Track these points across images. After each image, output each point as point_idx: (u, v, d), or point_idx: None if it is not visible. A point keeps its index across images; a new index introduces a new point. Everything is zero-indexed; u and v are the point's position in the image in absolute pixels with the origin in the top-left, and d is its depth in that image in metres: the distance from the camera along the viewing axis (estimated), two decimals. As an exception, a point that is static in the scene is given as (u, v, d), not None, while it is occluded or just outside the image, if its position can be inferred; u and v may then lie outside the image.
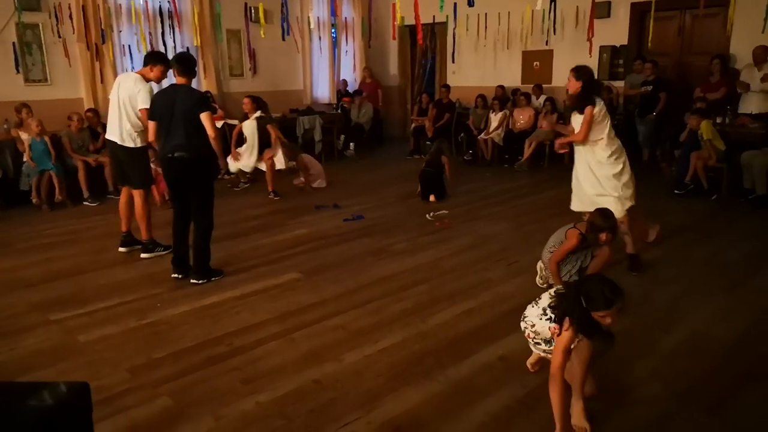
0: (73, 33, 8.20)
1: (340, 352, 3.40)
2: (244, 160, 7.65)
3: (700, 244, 5.35)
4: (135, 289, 4.39)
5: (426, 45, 12.54)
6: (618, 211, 4.66)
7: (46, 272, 4.82)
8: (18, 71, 7.89)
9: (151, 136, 4.72)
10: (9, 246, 5.59)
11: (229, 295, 4.27)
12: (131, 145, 4.97)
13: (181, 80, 4.45)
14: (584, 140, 4.51)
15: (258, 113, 7.53)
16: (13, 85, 7.80)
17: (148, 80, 4.94)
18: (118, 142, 4.99)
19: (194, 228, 4.51)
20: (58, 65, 8.19)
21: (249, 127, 7.55)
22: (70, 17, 8.16)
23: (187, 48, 9.46)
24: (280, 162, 7.59)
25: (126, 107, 4.89)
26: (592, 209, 4.76)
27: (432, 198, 7.04)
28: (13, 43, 7.76)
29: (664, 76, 8.49)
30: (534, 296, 4.11)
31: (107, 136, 5.13)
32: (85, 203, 7.23)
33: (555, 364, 2.58)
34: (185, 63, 4.48)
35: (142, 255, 5.14)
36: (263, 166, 7.62)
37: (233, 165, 7.65)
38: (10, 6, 7.60)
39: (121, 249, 5.31)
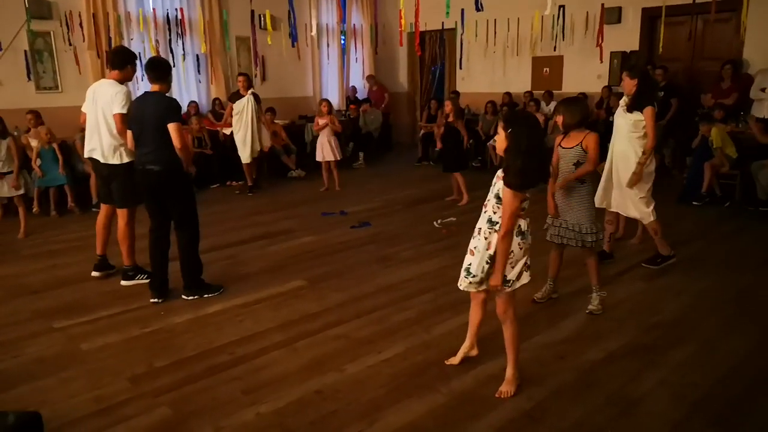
0: (84, 41, 8.28)
1: (342, 362, 3.36)
2: (243, 147, 7.71)
3: (711, 252, 5.26)
4: (139, 297, 4.37)
5: (435, 51, 12.54)
6: (647, 213, 4.62)
7: (51, 279, 4.83)
8: (29, 79, 7.97)
9: (129, 145, 4.35)
10: (16, 252, 5.61)
11: (233, 303, 4.24)
12: (116, 161, 4.52)
13: (154, 87, 4.19)
14: (655, 141, 4.47)
15: (251, 90, 7.62)
16: (24, 92, 7.89)
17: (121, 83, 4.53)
18: (101, 160, 4.55)
19: (177, 241, 4.28)
20: (69, 73, 8.26)
21: (245, 105, 7.56)
22: (81, 25, 8.25)
23: (197, 56, 9.53)
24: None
25: (106, 117, 4.46)
26: (625, 211, 4.73)
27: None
28: (25, 51, 7.84)
29: (675, 81, 8.41)
30: (539, 306, 4.09)
31: (87, 155, 4.65)
32: (93, 210, 7.24)
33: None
34: (157, 69, 4.20)
35: (122, 282, 4.66)
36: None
37: (243, 155, 7.74)
38: (22, 14, 7.69)
39: (94, 273, 4.79)
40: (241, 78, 7.65)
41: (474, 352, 3.34)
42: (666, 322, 3.84)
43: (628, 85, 4.52)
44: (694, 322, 3.84)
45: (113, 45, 8.39)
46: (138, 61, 4.81)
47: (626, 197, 4.67)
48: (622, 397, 2.99)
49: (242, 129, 7.65)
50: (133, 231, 4.69)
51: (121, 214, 4.65)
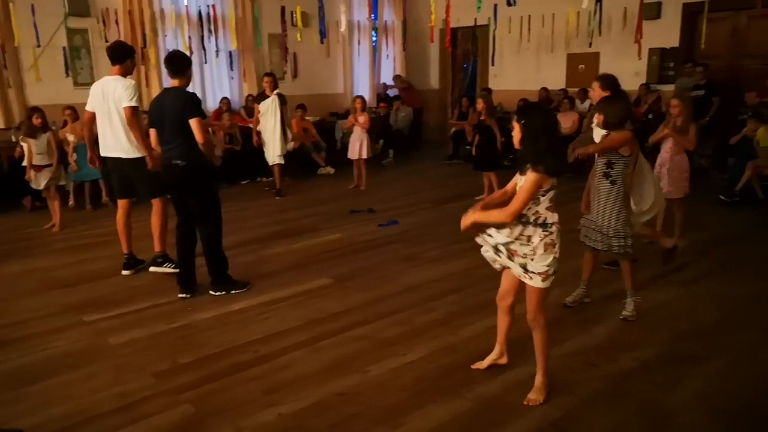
0: (120, 38, 8.38)
1: (365, 363, 3.30)
2: (270, 148, 7.69)
3: (750, 257, 5.04)
4: (167, 292, 4.39)
5: (467, 48, 12.38)
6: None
7: (82, 273, 4.89)
8: (67, 75, 8.14)
9: (153, 144, 4.38)
10: (48, 246, 5.72)
11: (258, 300, 4.23)
12: (138, 154, 4.55)
13: (174, 82, 4.18)
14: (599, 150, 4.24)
15: (276, 91, 7.55)
16: (63, 88, 8.06)
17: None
18: (124, 156, 4.58)
19: (200, 236, 4.30)
20: (105, 69, 8.27)
21: (270, 106, 7.52)
22: (117, 22, 8.38)
23: (230, 53, 9.60)
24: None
25: (120, 113, 4.49)
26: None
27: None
28: (63, 47, 8.01)
29: (716, 79, 8.11)
30: (570, 310, 3.96)
31: (105, 154, 4.68)
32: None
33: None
34: (174, 62, 4.16)
35: (151, 269, 4.79)
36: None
37: (269, 156, 7.72)
38: (61, 12, 7.85)
39: (125, 272, 4.81)
40: (267, 78, 7.57)
41: (503, 361, 3.23)
42: (702, 330, 3.68)
43: (599, 95, 4.09)
44: (731, 330, 3.67)
45: (147, 42, 8.52)
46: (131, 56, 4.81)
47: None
48: (656, 408, 2.86)
49: (268, 130, 7.63)
50: (166, 219, 4.77)
51: (156, 203, 4.73)
